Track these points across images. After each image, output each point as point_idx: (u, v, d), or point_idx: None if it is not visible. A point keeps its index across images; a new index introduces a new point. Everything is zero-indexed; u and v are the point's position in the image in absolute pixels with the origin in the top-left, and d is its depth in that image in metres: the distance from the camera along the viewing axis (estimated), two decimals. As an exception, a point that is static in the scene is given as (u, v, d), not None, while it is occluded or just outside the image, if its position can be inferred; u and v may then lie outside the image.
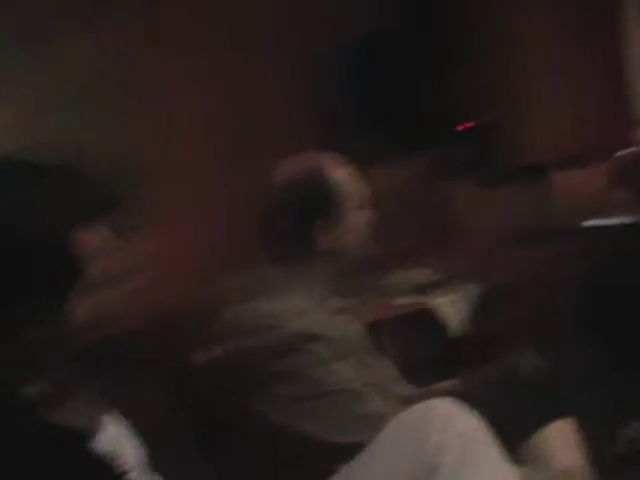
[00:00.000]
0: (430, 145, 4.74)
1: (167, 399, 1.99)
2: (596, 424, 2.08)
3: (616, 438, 3.15)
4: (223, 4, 3.72)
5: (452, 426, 1.67)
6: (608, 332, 3.49)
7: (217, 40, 3.70)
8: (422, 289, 3.77)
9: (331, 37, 4.11)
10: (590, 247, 3.38)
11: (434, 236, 4.31)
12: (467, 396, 1.85)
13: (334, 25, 4.13)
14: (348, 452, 1.75)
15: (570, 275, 3.67)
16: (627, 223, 3.33)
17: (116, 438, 1.24)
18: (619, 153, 3.83)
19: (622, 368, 3.41)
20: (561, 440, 1.93)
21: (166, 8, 3.60)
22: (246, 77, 3.77)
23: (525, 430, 1.88)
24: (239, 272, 2.02)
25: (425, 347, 3.55)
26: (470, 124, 4.81)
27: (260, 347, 1.81)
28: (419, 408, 1.76)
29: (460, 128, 4.82)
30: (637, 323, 3.54)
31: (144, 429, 1.35)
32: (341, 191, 1.98)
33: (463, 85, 4.68)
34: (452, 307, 3.67)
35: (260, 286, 1.95)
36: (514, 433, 1.85)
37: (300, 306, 1.89)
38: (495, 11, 4.76)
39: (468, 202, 4.35)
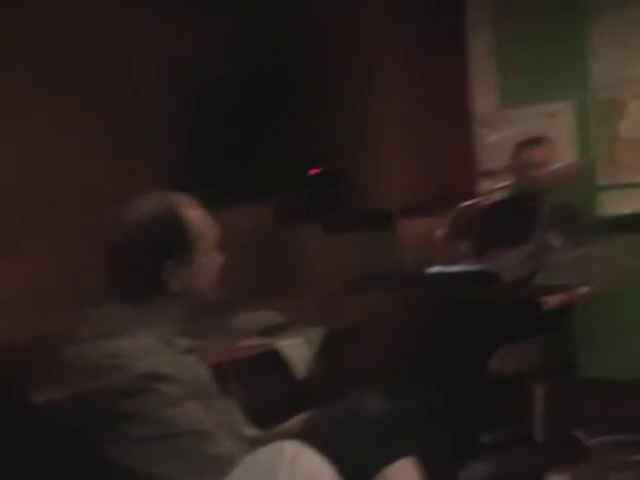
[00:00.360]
0: (278, 190, 4.82)
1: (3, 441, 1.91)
2: (437, 464, 2.15)
3: (457, 478, 3.27)
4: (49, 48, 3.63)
5: (299, 468, 1.69)
6: (448, 375, 3.62)
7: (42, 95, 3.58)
8: (268, 331, 3.79)
9: (174, 84, 4.12)
10: (433, 293, 3.52)
11: (281, 279, 4.36)
12: (313, 437, 1.88)
13: (176, 72, 4.14)
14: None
15: (414, 320, 3.79)
16: (469, 271, 3.49)
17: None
18: (462, 204, 4.01)
19: (461, 410, 3.55)
20: (404, 478, 1.98)
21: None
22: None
23: (369, 470, 1.92)
24: (86, 309, 1.98)
25: (271, 389, 3.56)
26: (319, 170, 4.92)
27: (107, 387, 1.77)
28: (267, 450, 1.77)
29: (309, 174, 4.92)
30: (475, 367, 3.70)
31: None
32: (194, 232, 1.98)
33: (312, 132, 4.79)
34: (298, 349, 3.70)
35: (108, 325, 1.90)
36: (358, 473, 1.89)
37: (148, 346, 1.86)
38: (345, 63, 4.94)
39: (315, 246, 4.42)
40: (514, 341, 3.79)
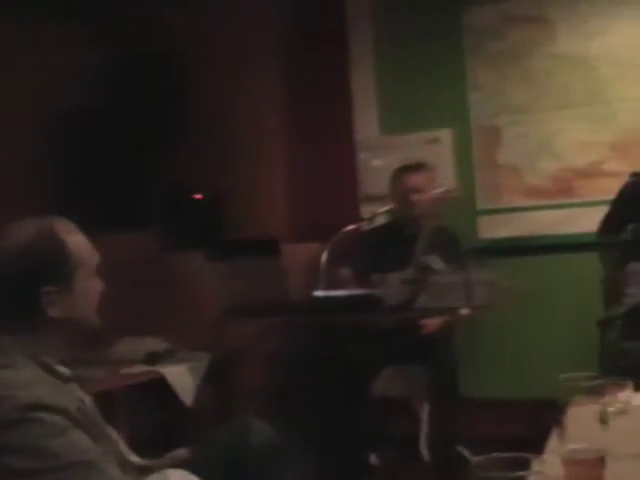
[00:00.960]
0: (161, 217, 4.78)
1: None
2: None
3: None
4: None
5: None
6: (334, 399, 3.64)
7: None
8: (153, 358, 3.73)
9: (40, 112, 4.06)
10: (317, 319, 3.53)
11: (165, 306, 4.30)
12: (198, 465, 1.85)
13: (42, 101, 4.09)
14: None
15: (298, 345, 3.80)
16: (352, 295, 3.52)
17: None
18: (344, 229, 4.05)
19: (348, 433, 3.57)
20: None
21: None
22: None
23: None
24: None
25: (157, 416, 3.50)
26: (201, 196, 4.90)
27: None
28: (154, 479, 1.74)
29: (192, 200, 4.89)
30: (361, 390, 3.74)
31: None
32: (73, 257, 1.92)
33: (195, 160, 4.78)
34: (183, 376, 3.66)
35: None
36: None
37: (30, 375, 1.79)
38: (227, 93, 4.96)
39: (199, 273, 4.39)
40: (399, 363, 3.84)
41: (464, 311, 3.34)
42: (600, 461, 1.40)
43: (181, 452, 2.12)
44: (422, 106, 5.12)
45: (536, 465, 1.15)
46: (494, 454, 1.13)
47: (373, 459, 3.78)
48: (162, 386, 3.57)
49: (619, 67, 4.73)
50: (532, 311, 4.47)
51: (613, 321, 3.49)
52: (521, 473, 1.11)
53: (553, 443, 1.72)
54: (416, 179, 3.92)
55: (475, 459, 1.11)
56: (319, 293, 3.57)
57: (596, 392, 1.50)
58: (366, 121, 5.27)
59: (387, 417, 3.97)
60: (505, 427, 4.02)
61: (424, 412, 3.87)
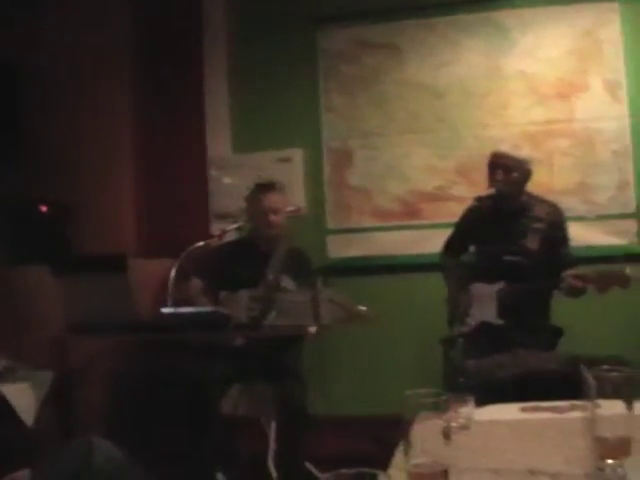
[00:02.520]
0: (1, 229, 4.58)
1: None
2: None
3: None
4: None
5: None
6: (181, 417, 3.58)
7: None
8: (-7, 376, 3.55)
9: None
10: (165, 336, 3.46)
11: (6, 321, 4.12)
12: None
13: None
14: None
15: (144, 362, 3.72)
16: (200, 312, 3.47)
17: None
18: (192, 245, 4.00)
19: (196, 451, 3.51)
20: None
21: None
22: None
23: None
24: None
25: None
26: (46, 209, 4.73)
27: None
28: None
29: (37, 214, 4.72)
30: (208, 408, 3.69)
31: None
32: None
33: (40, 173, 4.62)
34: (23, 394, 3.50)
35: None
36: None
37: None
38: (75, 105, 4.84)
39: (41, 289, 4.22)
40: (246, 381, 3.82)
41: (312, 329, 3.36)
42: (443, 475, 1.44)
43: (21, 474, 2.02)
44: (275, 126, 5.16)
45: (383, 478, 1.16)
46: (342, 470, 1.13)
47: (220, 477, 3.72)
48: (1, 405, 3.40)
49: (465, 95, 4.94)
50: (378, 329, 4.55)
51: (456, 339, 3.61)
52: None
53: (398, 458, 1.74)
54: (273, 199, 3.91)
55: (323, 476, 1.11)
56: (166, 310, 3.51)
57: (440, 408, 1.53)
58: (218, 139, 5.25)
59: (235, 435, 3.93)
60: (352, 444, 4.07)
61: (271, 430, 3.85)
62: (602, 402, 1.51)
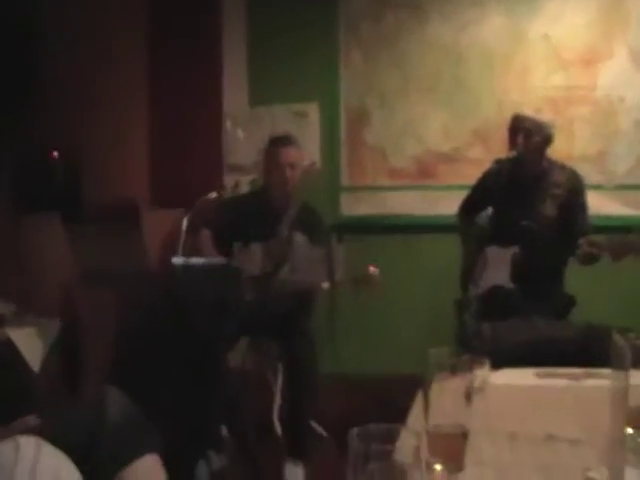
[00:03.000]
0: (12, 176, 4.55)
1: None
2: (179, 458, 2.10)
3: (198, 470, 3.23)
4: None
5: (41, 463, 1.58)
6: (188, 369, 3.58)
7: None
8: (-1, 320, 3.55)
9: None
10: (175, 287, 3.46)
11: (15, 267, 4.10)
12: (51, 433, 1.75)
13: None
14: None
15: (154, 313, 3.71)
16: (211, 264, 3.45)
17: None
18: (205, 197, 3.97)
19: (201, 404, 3.51)
20: (147, 475, 1.91)
21: None
22: None
23: (111, 467, 1.83)
24: None
25: (4, 381, 3.33)
26: (55, 154, 4.68)
27: None
28: (4, 446, 1.63)
29: (48, 161, 4.68)
30: (216, 361, 3.68)
31: None
32: None
33: (51, 121, 4.57)
34: (31, 339, 3.49)
35: None
36: (101, 470, 1.80)
37: None
38: (86, 54, 4.78)
39: (51, 236, 4.20)
40: (255, 336, 3.81)
41: (325, 285, 3.34)
42: (463, 437, 1.42)
43: (30, 419, 2.01)
44: (293, 81, 5.10)
45: (405, 435, 1.14)
46: (371, 424, 1.10)
47: (225, 431, 3.73)
48: (8, 349, 3.40)
49: (486, 58, 4.86)
50: (390, 289, 4.53)
51: (469, 302, 3.58)
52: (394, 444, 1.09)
53: (413, 418, 1.73)
54: (291, 154, 3.86)
55: (355, 431, 1.08)
56: (177, 260, 3.49)
57: (459, 368, 1.50)
58: (235, 91, 5.20)
59: (241, 389, 3.93)
60: (358, 403, 4.07)
61: (277, 386, 3.86)
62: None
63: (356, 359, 4.70)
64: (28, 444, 1.61)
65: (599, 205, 4.34)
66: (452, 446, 1.43)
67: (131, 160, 4.96)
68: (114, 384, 2.16)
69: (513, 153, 3.63)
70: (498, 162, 3.79)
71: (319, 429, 3.84)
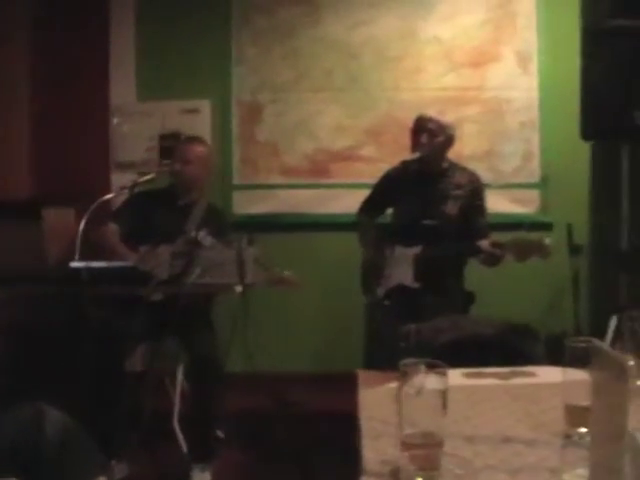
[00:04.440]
0: None
1: None
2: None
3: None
4: None
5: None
6: (87, 373, 3.45)
7: None
8: None
9: None
10: (77, 289, 3.31)
11: None
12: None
13: None
14: None
15: (53, 316, 3.56)
16: (115, 267, 3.33)
17: None
18: (102, 198, 3.83)
19: (101, 410, 3.40)
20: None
21: None
22: None
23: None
24: None
25: None
26: None
27: None
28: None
29: None
30: (115, 364, 3.57)
31: None
32: None
33: None
34: None
35: None
36: None
37: None
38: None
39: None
40: (157, 338, 3.72)
41: (238, 288, 3.28)
42: (439, 446, 1.43)
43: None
44: (183, 75, 5.00)
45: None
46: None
47: (128, 437, 3.61)
48: None
49: (379, 57, 4.93)
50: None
51: (378, 302, 3.62)
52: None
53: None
54: (193, 151, 3.80)
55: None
56: (76, 264, 3.35)
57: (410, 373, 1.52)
58: (123, 85, 5.05)
59: (142, 393, 3.82)
60: (254, 401, 4.04)
61: (177, 391, 3.77)
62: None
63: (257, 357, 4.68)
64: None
65: (488, 203, 4.47)
66: (429, 454, 1.43)
67: (12, 159, 4.73)
68: (7, 387, 2.04)
69: (417, 154, 3.68)
70: (404, 163, 3.84)
71: (220, 434, 3.78)
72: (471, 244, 3.54)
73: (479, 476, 1.45)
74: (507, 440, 1.68)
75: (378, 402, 1.92)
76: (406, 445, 1.45)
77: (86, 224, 3.63)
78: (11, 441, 1.79)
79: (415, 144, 3.69)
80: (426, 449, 1.44)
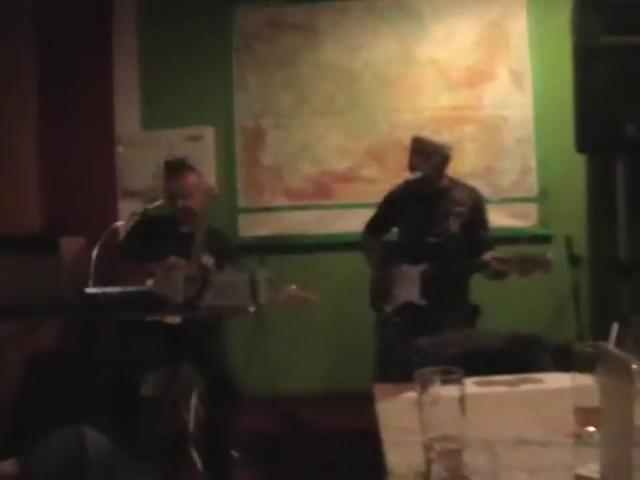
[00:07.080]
0: None
1: None
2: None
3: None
4: None
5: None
6: (103, 398, 3.52)
7: None
8: None
9: None
10: (95, 316, 3.38)
11: None
12: (30, 476, 1.73)
13: None
14: None
15: (74, 344, 3.62)
16: (131, 292, 3.40)
17: None
18: (113, 225, 3.90)
19: (116, 434, 3.45)
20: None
21: None
22: None
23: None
24: None
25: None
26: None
27: None
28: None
29: None
30: (130, 389, 3.63)
31: None
32: None
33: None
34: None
35: None
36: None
37: None
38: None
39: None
40: (174, 362, 3.78)
41: (251, 309, 3.36)
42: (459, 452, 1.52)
43: (8, 464, 1.95)
44: (186, 103, 5.11)
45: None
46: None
47: (144, 460, 3.66)
48: None
49: (378, 80, 5.04)
50: (296, 309, 4.59)
51: (389, 319, 3.71)
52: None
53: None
54: (187, 181, 3.84)
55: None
56: (92, 290, 3.43)
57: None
58: (127, 114, 5.15)
59: (157, 418, 3.88)
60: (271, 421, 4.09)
61: (191, 414, 3.83)
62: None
63: (285, 379, 4.74)
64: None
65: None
66: (453, 455, 1.52)
67: (21, 190, 4.81)
68: (24, 416, 2.12)
69: (418, 174, 3.78)
70: (407, 182, 3.93)
71: (236, 455, 3.83)
72: (476, 260, 3.64)
73: (501, 476, 1.54)
74: (523, 442, 1.76)
75: (396, 412, 1.99)
76: (429, 448, 1.53)
77: (100, 251, 3.73)
78: (56, 464, 1.87)
79: (412, 164, 3.80)
80: (450, 450, 1.53)
